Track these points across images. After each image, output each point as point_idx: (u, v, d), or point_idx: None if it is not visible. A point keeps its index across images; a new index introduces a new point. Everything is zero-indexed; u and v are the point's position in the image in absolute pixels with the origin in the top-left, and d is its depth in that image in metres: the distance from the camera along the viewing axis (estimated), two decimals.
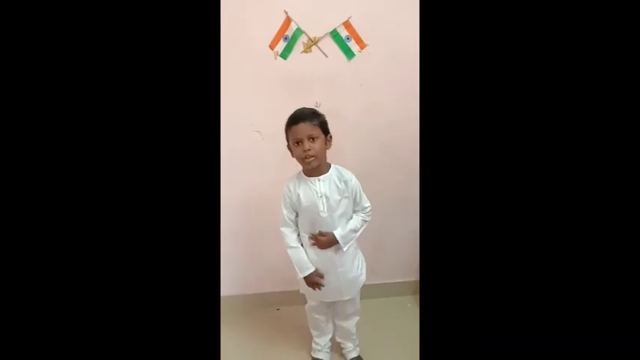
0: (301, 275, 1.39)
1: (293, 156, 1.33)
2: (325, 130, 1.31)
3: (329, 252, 1.37)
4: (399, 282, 2.04)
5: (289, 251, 1.40)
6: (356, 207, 1.39)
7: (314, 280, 1.39)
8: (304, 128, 1.25)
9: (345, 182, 1.34)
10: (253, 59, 1.66)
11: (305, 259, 1.38)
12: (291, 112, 1.32)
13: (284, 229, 1.40)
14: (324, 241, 1.35)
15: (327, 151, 1.34)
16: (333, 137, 1.34)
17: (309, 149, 1.25)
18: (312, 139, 1.26)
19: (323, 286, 1.40)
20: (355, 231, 1.38)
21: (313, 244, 1.37)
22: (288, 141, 1.33)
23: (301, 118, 1.27)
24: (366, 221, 1.40)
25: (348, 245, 1.36)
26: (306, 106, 1.34)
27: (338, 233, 1.34)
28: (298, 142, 1.27)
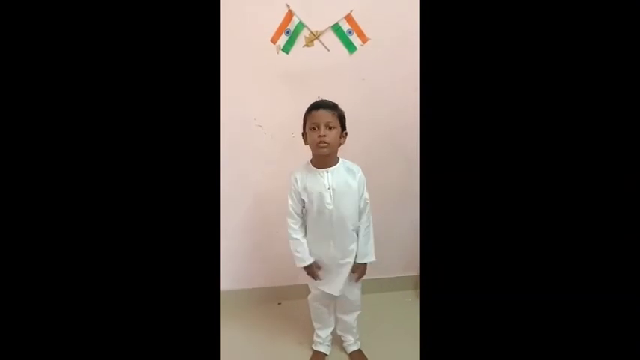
0: (299, 265, 1.41)
1: (306, 143, 1.34)
2: (343, 125, 1.32)
3: (331, 248, 1.39)
4: (399, 276, 2.05)
5: (290, 242, 1.41)
6: (360, 201, 1.39)
7: (312, 272, 1.41)
8: (324, 114, 1.26)
9: (353, 175, 1.35)
10: (255, 54, 1.66)
11: (305, 251, 1.40)
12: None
13: (288, 220, 1.41)
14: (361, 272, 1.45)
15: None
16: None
17: (325, 135, 1.26)
18: (330, 127, 1.27)
19: (320, 279, 1.42)
20: (368, 237, 1.42)
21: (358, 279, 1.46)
22: (304, 128, 1.33)
23: (322, 105, 1.29)
24: (368, 217, 1.42)
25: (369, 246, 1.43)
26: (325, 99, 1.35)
27: (361, 259, 1.41)
28: (315, 128, 1.27)
